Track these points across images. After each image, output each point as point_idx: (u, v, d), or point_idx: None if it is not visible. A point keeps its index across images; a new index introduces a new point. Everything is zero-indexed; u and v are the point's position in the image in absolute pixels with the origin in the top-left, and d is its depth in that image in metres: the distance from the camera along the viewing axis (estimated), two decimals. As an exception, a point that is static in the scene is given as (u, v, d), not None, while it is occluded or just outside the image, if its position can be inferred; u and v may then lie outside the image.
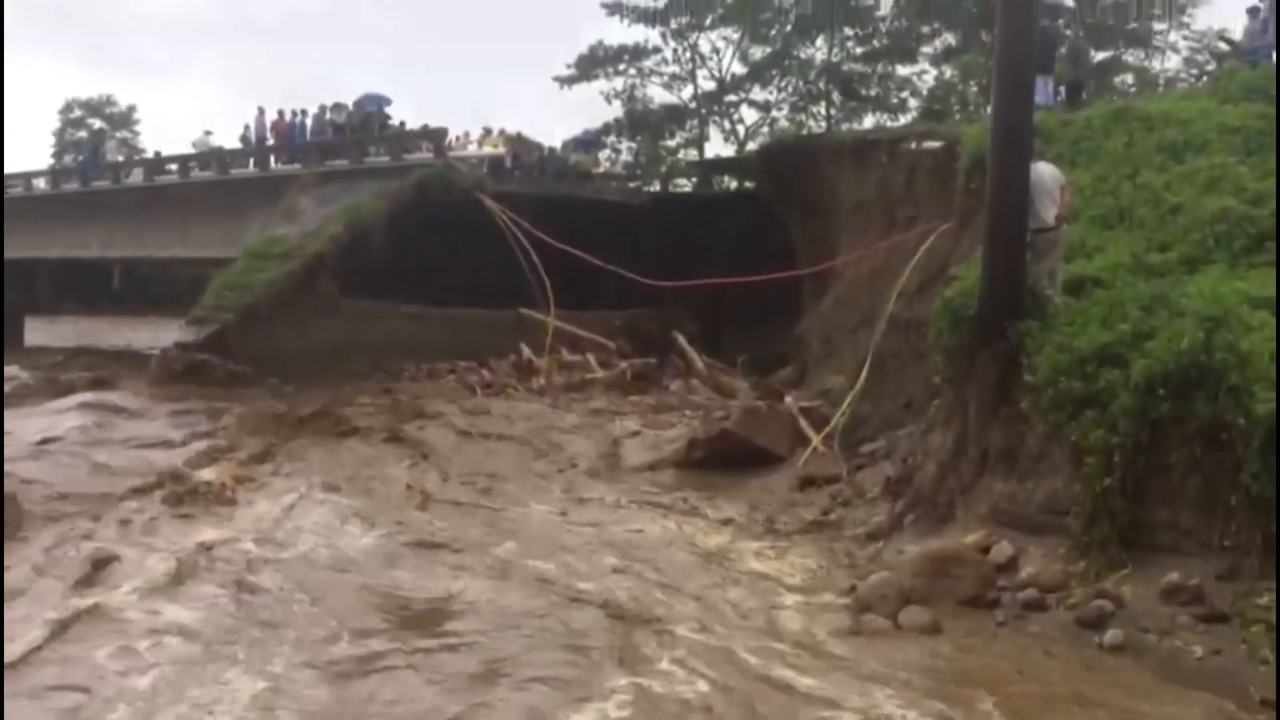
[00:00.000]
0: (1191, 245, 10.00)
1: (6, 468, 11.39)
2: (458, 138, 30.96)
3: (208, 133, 32.88)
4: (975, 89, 32.70)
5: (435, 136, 27.82)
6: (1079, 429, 8.24)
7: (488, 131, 31.95)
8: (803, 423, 16.75)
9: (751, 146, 38.03)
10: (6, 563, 9.04)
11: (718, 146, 42.84)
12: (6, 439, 13.30)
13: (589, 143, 37.05)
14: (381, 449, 15.21)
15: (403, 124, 29.89)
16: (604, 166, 38.31)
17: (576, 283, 25.29)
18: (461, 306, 25.32)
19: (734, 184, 35.60)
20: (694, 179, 37.93)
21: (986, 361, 9.71)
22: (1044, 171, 9.96)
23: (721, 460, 15.23)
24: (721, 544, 10.84)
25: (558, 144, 34.91)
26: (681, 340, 25.69)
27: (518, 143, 31.61)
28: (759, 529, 11.54)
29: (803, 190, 23.85)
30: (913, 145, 19.31)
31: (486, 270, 25.76)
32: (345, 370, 21.86)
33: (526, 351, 24.96)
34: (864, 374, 16.62)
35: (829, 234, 22.74)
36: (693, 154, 42.40)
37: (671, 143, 43.88)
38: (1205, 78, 28.46)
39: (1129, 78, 33.59)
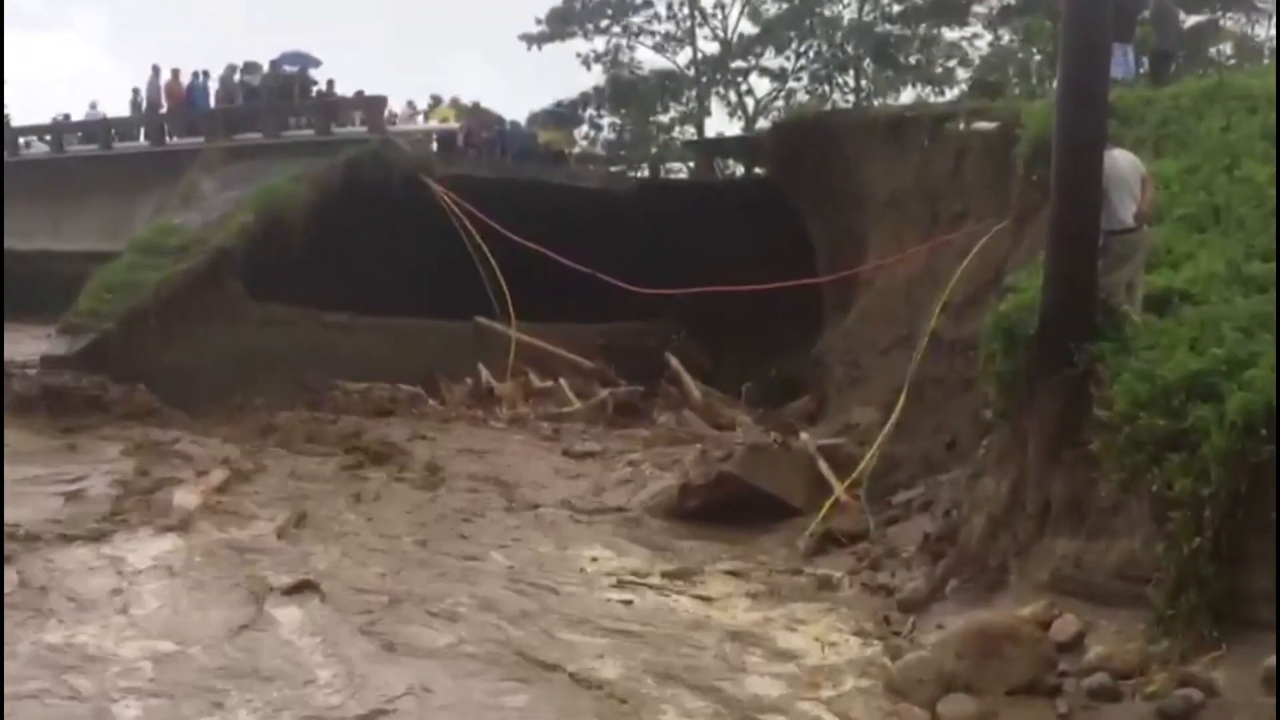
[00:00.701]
0: (1302, 253, 10.10)
1: None
2: (404, 109, 31.05)
3: (93, 105, 32.87)
4: (1038, 57, 33.02)
5: (371, 106, 27.90)
6: (1162, 476, 8.27)
7: (436, 101, 32.08)
8: (822, 465, 16.78)
9: (762, 124, 38.35)
10: None
11: (721, 123, 43.42)
12: None
13: (563, 116, 37.20)
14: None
15: (330, 86, 29.94)
16: (580, 146, 38.46)
17: (548, 289, 25.34)
18: (403, 315, 25.33)
19: (740, 170, 35.76)
20: (691, 163, 38.09)
21: (1049, 392, 9.75)
22: (1122, 161, 10.05)
23: (721, 511, 15.26)
24: (723, 617, 10.84)
25: (523, 118, 35.12)
26: (675, 363, 25.77)
27: (473, 115, 31.70)
28: (768, 597, 11.55)
29: (824, 179, 23.99)
30: (961, 125, 19.48)
31: (435, 271, 25.78)
32: (256, 391, 21.80)
33: (485, 375, 24.99)
34: (899, 406, 16.70)
35: (856, 233, 22.88)
36: (690, 132, 42.68)
37: (664, 118, 44.29)
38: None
39: (1227, 47, 33.94)
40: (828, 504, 14.94)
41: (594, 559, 12.99)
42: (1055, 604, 9.05)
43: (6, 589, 10.27)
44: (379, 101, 28.19)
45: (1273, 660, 7.41)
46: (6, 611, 9.55)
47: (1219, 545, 7.88)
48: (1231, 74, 17.56)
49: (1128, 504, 8.80)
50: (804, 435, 18.50)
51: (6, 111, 32.57)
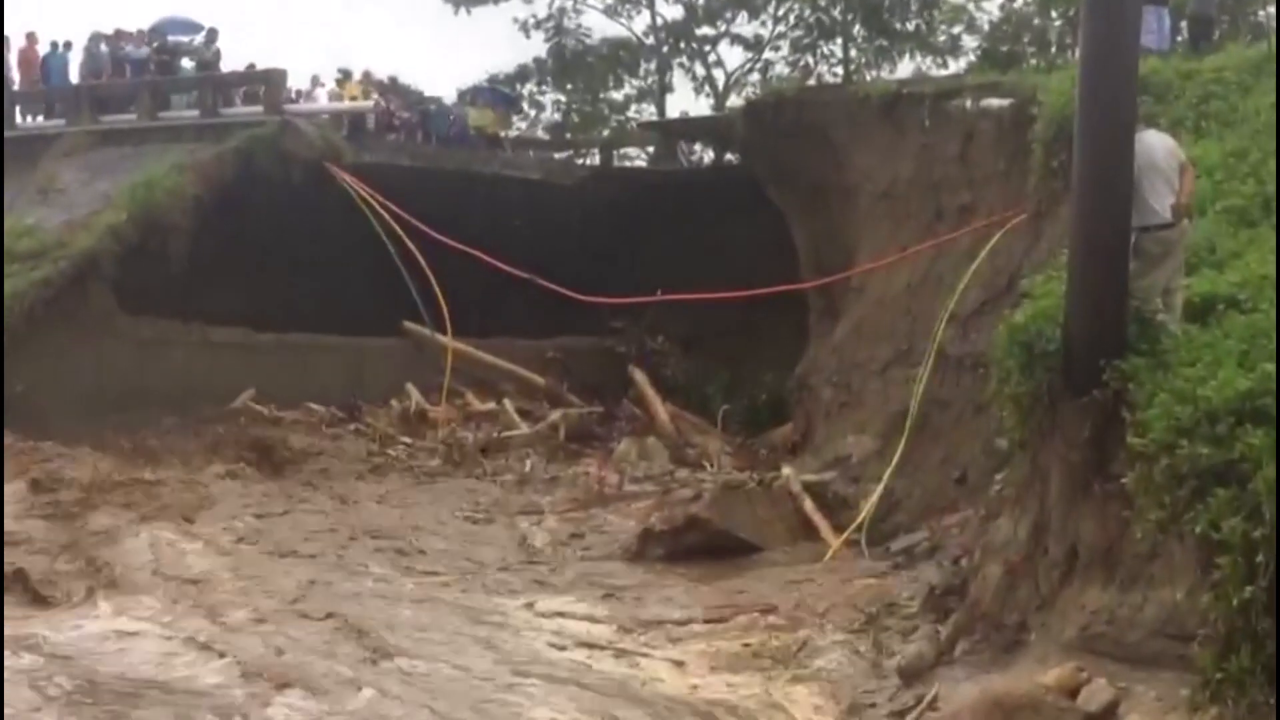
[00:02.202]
0: (1366, 251, 10.22)
1: None
2: (307, 85, 30.97)
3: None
4: (1058, 23, 33.36)
5: (268, 82, 27.78)
6: (1207, 515, 8.32)
7: (345, 76, 31.99)
8: (808, 506, 16.90)
9: (734, 102, 38.39)
10: None
11: (685, 101, 43.32)
12: None
13: (503, 96, 37.21)
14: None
15: (214, 53, 29.72)
16: (516, 129, 38.43)
17: (486, 298, 25.34)
18: (311, 330, 25.22)
19: (709, 156, 35.86)
20: (650, 148, 38.15)
21: (1074, 417, 9.82)
22: (1156, 145, 10.15)
23: (688, 557, 15.36)
24: (687, 687, 10.86)
25: (449, 95, 35.11)
26: (640, 379, 25.78)
27: (390, 93, 31.64)
28: (745, 661, 11.56)
29: (808, 166, 24.09)
30: (968, 103, 19.63)
31: (350, 279, 25.69)
32: (129, 421, 21.63)
33: (415, 395, 24.93)
34: (905, 436, 16.80)
35: (845, 230, 22.99)
36: (648, 111, 42.75)
37: (618, 95, 44.33)
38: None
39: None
40: (829, 554, 15.05)
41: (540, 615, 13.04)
42: (1084, 667, 9.08)
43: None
44: (276, 76, 28.04)
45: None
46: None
47: (1275, 596, 7.93)
48: (1277, 40, 17.77)
49: (1168, 548, 8.85)
50: (786, 470, 18.59)
51: None
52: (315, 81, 30.99)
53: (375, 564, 15.43)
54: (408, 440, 23.37)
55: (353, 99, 30.77)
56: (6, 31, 28.40)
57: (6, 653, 10.79)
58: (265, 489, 19.38)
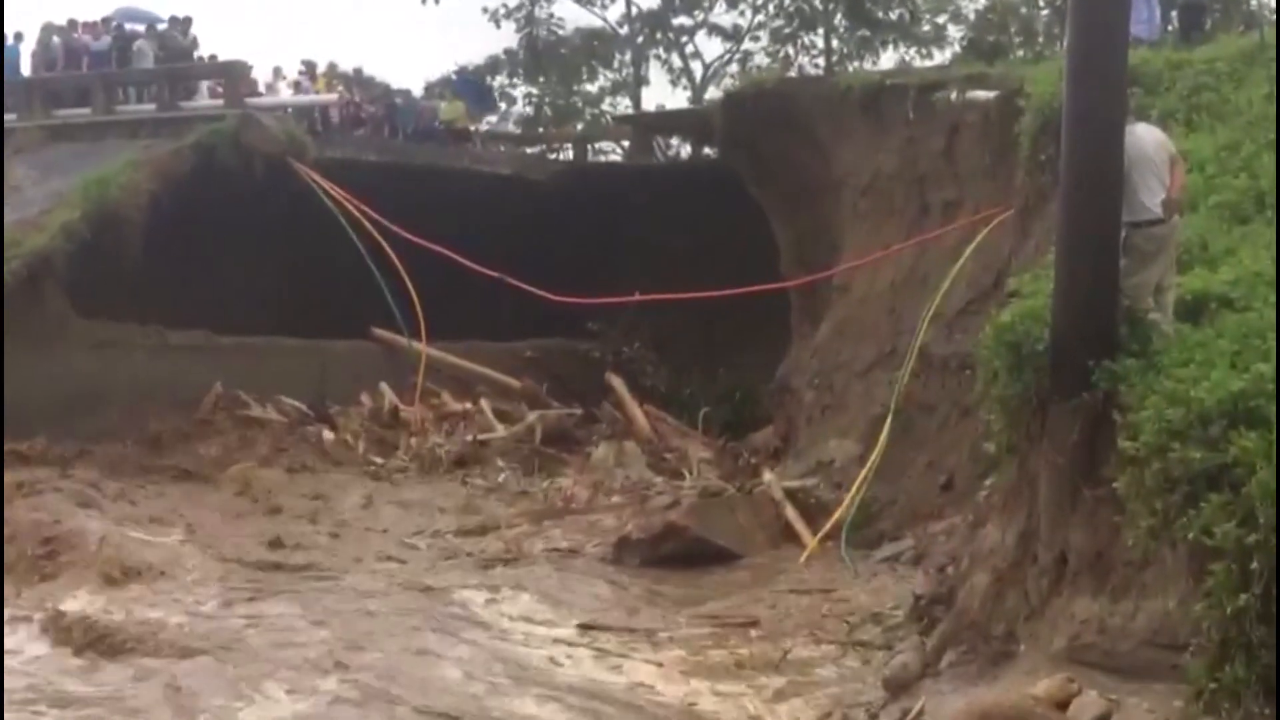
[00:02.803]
0: (1363, 247, 10.26)
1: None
2: (269, 77, 30.87)
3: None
4: (1045, 12, 33.50)
5: (229, 74, 27.71)
6: (1200, 521, 8.33)
7: (308, 68, 31.94)
8: (790, 513, 16.94)
9: (713, 94, 38.46)
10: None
11: (661, 93, 43.49)
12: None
13: (477, 88, 37.16)
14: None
15: (191, 40, 29.59)
16: (487, 122, 38.42)
17: (456, 298, 25.32)
18: (275, 333, 25.15)
19: (686, 150, 35.89)
20: (625, 142, 38.19)
21: (1063, 420, 9.82)
22: (1146, 137, 10.15)
23: (665, 564, 15.43)
24: (672, 698, 10.87)
25: (416, 88, 35.07)
26: (617, 383, 25.83)
27: (355, 86, 31.60)
28: (725, 669, 11.56)
29: (788, 161, 24.13)
30: (954, 95, 19.67)
31: (315, 279, 25.62)
32: (87, 431, 21.56)
33: (389, 394, 24.87)
34: (883, 439, 16.83)
35: (828, 227, 23.03)
36: (624, 104, 42.78)
37: (592, 87, 44.34)
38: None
39: (1271, -2, 34.55)
40: (805, 554, 15.08)
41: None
42: (1074, 678, 9.07)
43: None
44: (237, 69, 28.00)
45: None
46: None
47: (1269, 604, 7.94)
48: (1275, 31, 17.82)
49: (1160, 555, 8.85)
50: (768, 476, 18.63)
51: None
52: (277, 74, 30.93)
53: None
54: (380, 447, 23.36)
55: (320, 91, 30.79)
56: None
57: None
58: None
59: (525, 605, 14.27)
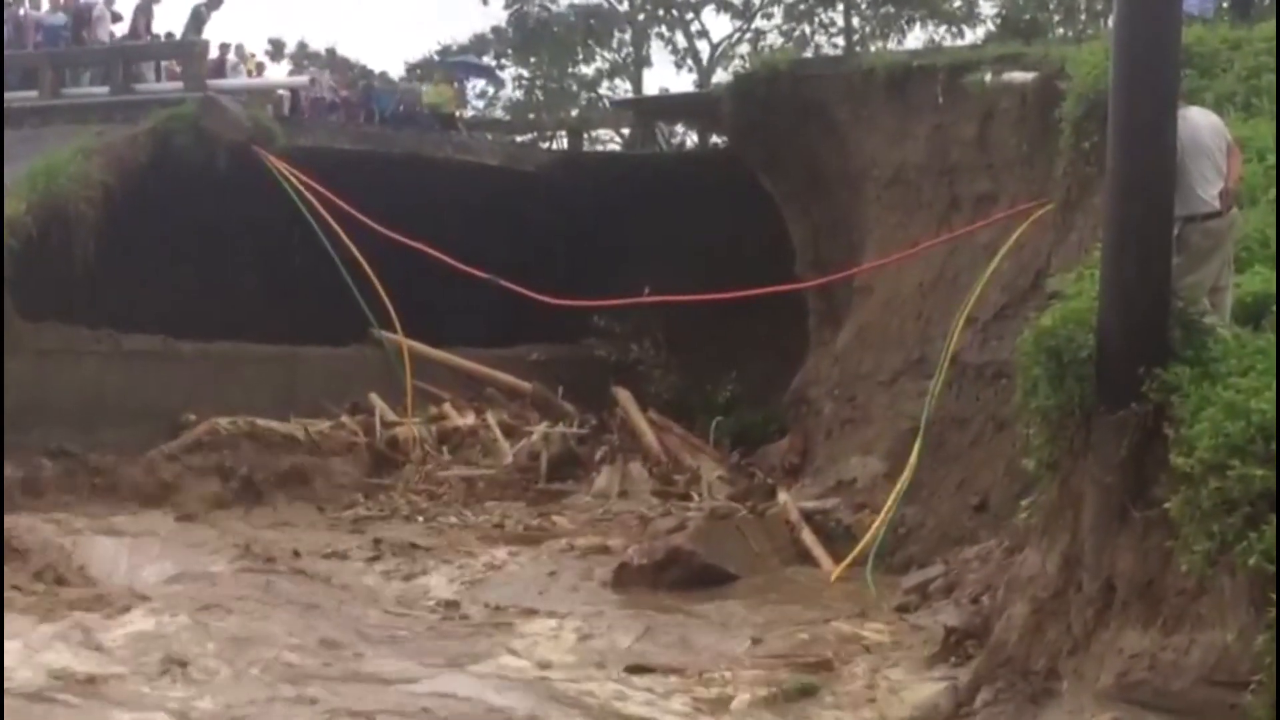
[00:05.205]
0: None
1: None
2: (232, 57, 30.87)
3: None
4: (1088, -13, 33.49)
5: (186, 53, 27.71)
6: (1262, 545, 8.35)
7: (277, 48, 32.02)
8: (807, 537, 16.97)
9: (721, 77, 38.49)
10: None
11: (665, 76, 43.63)
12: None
13: (474, 68, 37.16)
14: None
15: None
16: (473, 108, 38.50)
17: (445, 299, 25.38)
18: (241, 338, 25.08)
19: (693, 138, 35.93)
20: (626, 129, 38.24)
21: (1110, 434, 9.82)
22: (1201, 123, 10.16)
23: (670, 590, 15.48)
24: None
25: (395, 70, 35.15)
26: (624, 398, 25.82)
27: (329, 68, 31.66)
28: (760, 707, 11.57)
29: (805, 150, 24.16)
30: (988, 78, 19.69)
31: (286, 278, 25.58)
32: (31, 446, 21.51)
33: (380, 406, 24.87)
34: (914, 456, 16.84)
35: (848, 223, 23.06)
36: (623, 88, 42.81)
37: (588, 70, 44.39)
38: None
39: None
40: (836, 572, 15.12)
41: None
42: (1122, 718, 9.11)
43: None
44: (197, 48, 27.99)
45: None
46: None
47: (1338, 636, 7.97)
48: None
49: (1217, 583, 8.85)
50: (783, 496, 18.65)
51: None
52: (241, 53, 30.81)
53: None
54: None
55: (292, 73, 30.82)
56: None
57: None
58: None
59: (558, 647, 14.12)
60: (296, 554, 18.09)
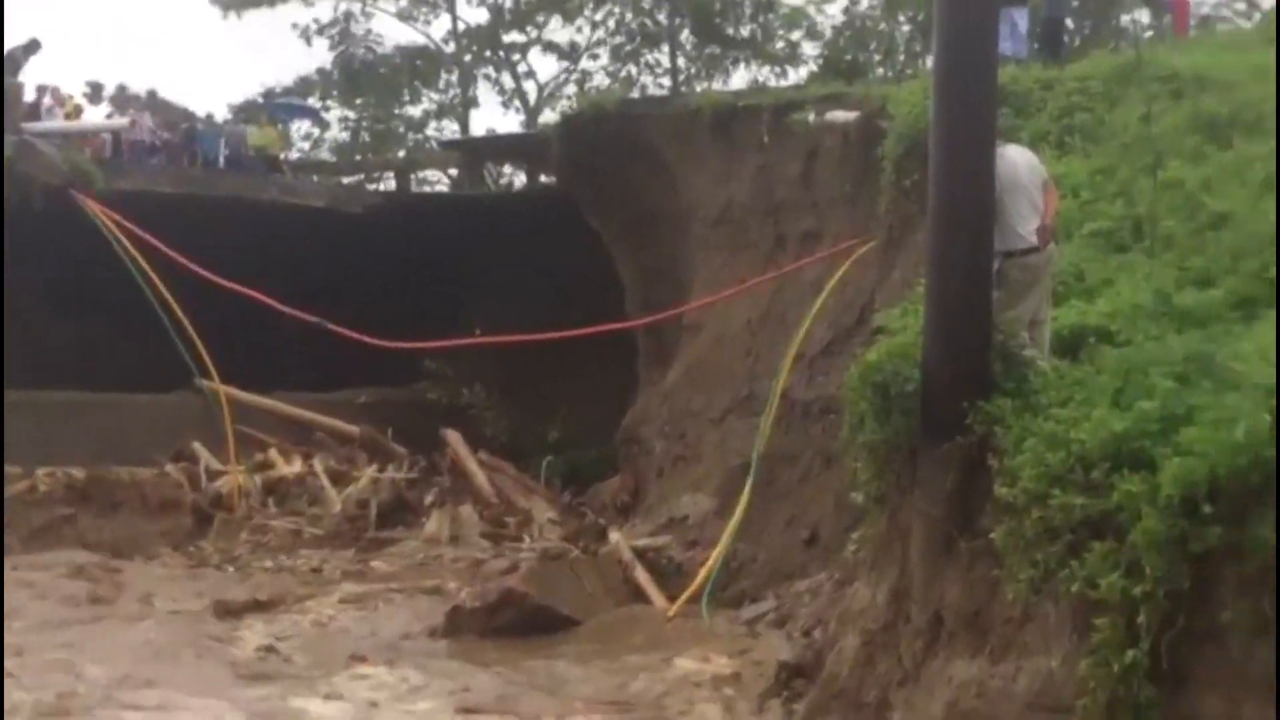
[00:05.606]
0: (1246, 277, 10.45)
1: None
2: (47, 99, 30.23)
3: None
4: (907, 28, 34.13)
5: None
6: (1083, 572, 8.44)
7: (95, 90, 31.42)
8: (640, 574, 16.97)
9: (548, 117, 38.57)
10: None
11: (492, 116, 43.49)
12: None
13: (298, 109, 36.80)
14: None
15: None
16: (299, 150, 38.14)
17: (272, 344, 25.06)
18: (59, 387, 24.52)
19: (521, 178, 35.90)
20: (453, 170, 38.12)
21: (936, 467, 9.92)
22: (1018, 161, 10.35)
23: (503, 634, 15.38)
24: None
25: (219, 113, 34.68)
26: (454, 440, 25.63)
27: (152, 109, 31.14)
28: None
29: (633, 189, 24.26)
30: (811, 117, 19.91)
31: (105, 324, 25.09)
32: None
33: (205, 456, 24.38)
34: (746, 493, 16.91)
35: (677, 262, 23.17)
36: (451, 129, 42.70)
37: (415, 110, 44.15)
38: (1259, 15, 30.34)
39: (1143, 14, 35.46)
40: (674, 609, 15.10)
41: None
42: (952, 749, 9.19)
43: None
44: (12, 90, 27.36)
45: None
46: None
47: (1158, 660, 8.06)
48: (1150, 50, 18.29)
49: (1041, 610, 8.96)
50: (614, 536, 18.64)
51: None
52: (56, 95, 30.15)
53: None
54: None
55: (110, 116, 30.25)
56: None
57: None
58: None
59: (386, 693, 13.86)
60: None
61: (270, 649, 15.42)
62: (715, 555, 16.59)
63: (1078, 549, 8.44)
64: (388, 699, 13.53)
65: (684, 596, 16.21)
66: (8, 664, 13.57)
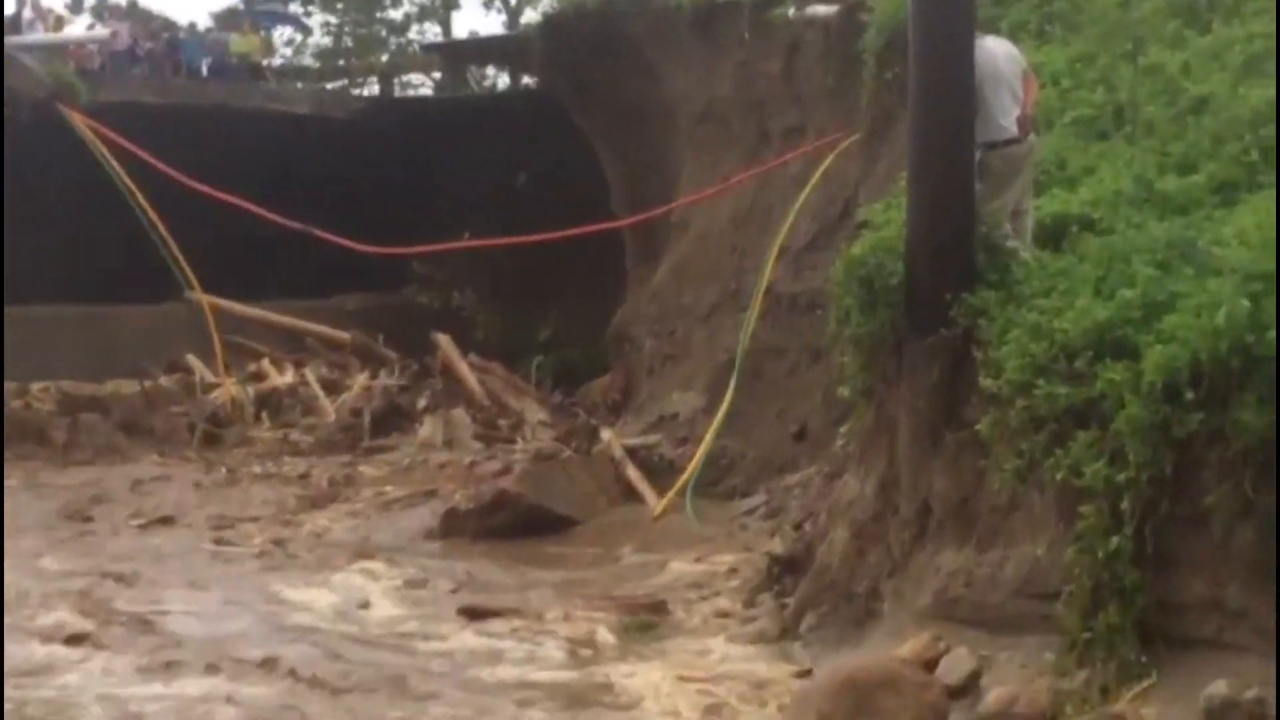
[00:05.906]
0: (1227, 161, 10.45)
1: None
2: (29, 11, 29.98)
3: None
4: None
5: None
6: (1068, 461, 8.50)
7: (76, 2, 31.17)
8: (632, 473, 17.04)
9: (530, 18, 38.24)
10: None
11: (474, 19, 43.15)
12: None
13: (280, 16, 36.53)
14: None
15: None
16: (282, 55, 37.86)
17: (261, 252, 25.05)
18: (48, 301, 24.49)
19: (504, 80, 35.65)
20: (437, 73, 37.84)
21: (921, 359, 9.96)
22: (998, 51, 10.31)
23: (499, 537, 15.42)
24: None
25: (201, 21, 34.41)
26: (445, 344, 25.64)
27: (132, 19, 30.91)
28: (559, 644, 11.52)
29: (616, 89, 24.13)
30: (791, 12, 19.76)
31: (93, 238, 25.03)
32: None
33: (199, 368, 24.41)
34: (731, 389, 16.96)
35: (662, 159, 23.09)
36: (433, 32, 42.39)
37: (396, 14, 43.78)
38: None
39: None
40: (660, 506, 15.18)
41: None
42: (942, 635, 9.26)
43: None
44: (-10, 1, 27.16)
45: (1215, 688, 7.72)
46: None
47: (1142, 545, 8.13)
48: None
49: (1027, 499, 9.04)
50: (606, 434, 18.70)
51: None
52: (34, 7, 29.90)
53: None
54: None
55: (90, 29, 30.04)
56: None
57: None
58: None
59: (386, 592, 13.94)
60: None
61: (271, 549, 15.59)
62: (699, 453, 16.64)
63: (1062, 438, 8.51)
64: (386, 590, 13.69)
65: (668, 496, 16.26)
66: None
